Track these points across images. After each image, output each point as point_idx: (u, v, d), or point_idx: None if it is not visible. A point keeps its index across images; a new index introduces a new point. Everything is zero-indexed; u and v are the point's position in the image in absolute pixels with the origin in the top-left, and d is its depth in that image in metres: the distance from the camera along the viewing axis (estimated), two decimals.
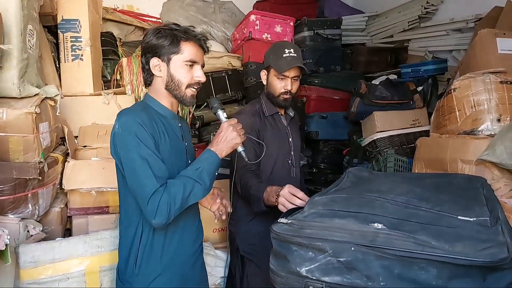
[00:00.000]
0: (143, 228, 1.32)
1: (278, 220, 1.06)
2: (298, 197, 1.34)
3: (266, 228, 1.68)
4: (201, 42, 1.37)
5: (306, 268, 0.87)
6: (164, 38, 1.31)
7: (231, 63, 3.13)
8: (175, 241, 1.37)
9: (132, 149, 1.22)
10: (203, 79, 1.37)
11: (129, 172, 1.23)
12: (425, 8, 3.43)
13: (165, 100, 1.39)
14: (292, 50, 1.72)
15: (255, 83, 3.04)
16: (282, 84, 1.74)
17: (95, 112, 2.43)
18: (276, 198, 1.45)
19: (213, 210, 1.59)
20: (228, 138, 1.33)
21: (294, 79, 1.75)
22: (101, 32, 2.83)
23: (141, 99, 2.69)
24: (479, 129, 1.83)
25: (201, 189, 1.26)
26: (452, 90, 1.99)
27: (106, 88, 2.70)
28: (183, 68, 1.33)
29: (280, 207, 1.37)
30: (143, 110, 1.31)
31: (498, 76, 1.85)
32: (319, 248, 0.85)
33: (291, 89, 1.75)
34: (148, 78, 1.38)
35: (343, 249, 0.82)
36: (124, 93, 2.63)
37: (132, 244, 1.33)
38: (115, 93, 2.50)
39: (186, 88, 1.35)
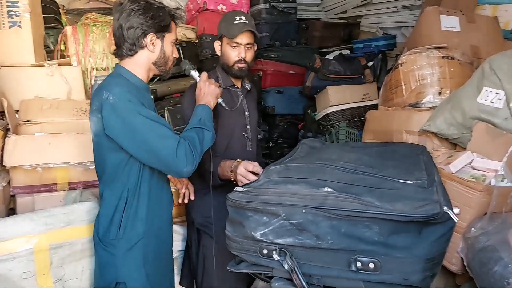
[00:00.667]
0: (128, 193, 1.38)
1: (235, 189, 1.09)
2: (253, 172, 1.42)
3: (221, 201, 1.71)
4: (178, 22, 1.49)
5: (261, 232, 0.90)
6: (163, 16, 1.38)
7: (185, 35, 3.03)
8: (158, 205, 1.46)
9: (138, 115, 1.26)
10: (177, 56, 1.49)
11: (141, 136, 1.27)
12: None
13: (143, 74, 1.43)
14: (243, 17, 1.70)
15: (210, 55, 2.98)
16: (236, 52, 1.72)
17: (37, 84, 2.27)
18: (231, 172, 1.49)
19: (179, 187, 1.77)
20: (209, 91, 1.48)
21: (247, 47, 1.73)
22: None
23: (88, 71, 2.57)
24: (423, 102, 1.94)
25: (210, 135, 1.39)
26: (399, 65, 2.09)
27: (49, 59, 2.52)
28: (171, 46, 1.44)
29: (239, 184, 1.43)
30: (126, 83, 1.35)
31: (440, 52, 1.96)
32: (273, 212, 0.89)
33: (245, 56, 1.73)
34: (132, 51, 1.38)
35: (295, 212, 0.86)
36: (69, 64, 2.47)
37: (116, 208, 1.38)
38: (59, 64, 2.34)
39: (171, 64, 1.47)
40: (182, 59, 2.97)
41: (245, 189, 1.05)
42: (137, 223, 1.40)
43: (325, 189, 0.92)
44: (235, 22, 1.68)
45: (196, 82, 1.59)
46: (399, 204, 0.81)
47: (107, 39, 2.59)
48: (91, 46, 2.59)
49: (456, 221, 0.80)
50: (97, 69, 2.61)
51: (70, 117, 2.23)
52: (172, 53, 1.45)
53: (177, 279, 2.03)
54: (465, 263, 1.44)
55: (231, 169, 1.50)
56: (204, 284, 1.82)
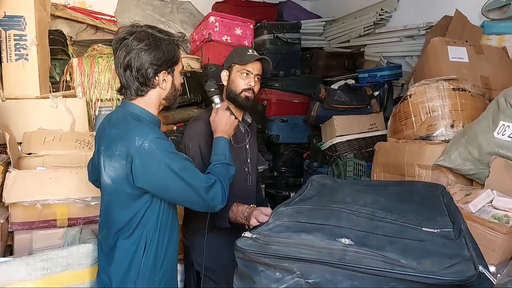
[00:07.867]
0: (147, 240, 1.33)
1: (243, 234, 1.01)
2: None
3: (224, 242, 1.63)
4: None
5: None
6: (172, 50, 1.33)
7: (189, 65, 3.04)
8: (172, 249, 1.43)
9: (173, 161, 1.26)
10: (181, 81, 1.45)
11: (177, 181, 1.26)
12: (379, 15, 3.53)
13: (155, 110, 1.38)
14: (254, 50, 1.74)
15: None
16: (246, 81, 1.70)
17: (41, 116, 2.26)
18: (245, 219, 1.45)
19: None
20: (229, 122, 1.51)
21: (257, 78, 1.72)
22: (49, 30, 2.63)
23: (92, 102, 2.55)
24: (434, 134, 1.89)
25: (233, 171, 1.45)
26: (408, 96, 2.05)
27: (55, 90, 2.52)
28: (180, 77, 1.40)
29: None
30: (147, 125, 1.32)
31: (450, 83, 1.92)
32: (286, 268, 0.81)
33: (254, 86, 1.71)
34: (143, 91, 1.32)
35: (311, 270, 0.78)
36: (74, 95, 2.46)
37: (134, 256, 1.33)
38: (64, 96, 2.34)
39: (179, 94, 1.43)
40: (187, 89, 2.97)
41: (253, 236, 0.97)
42: (155, 270, 1.36)
43: (343, 240, 0.84)
44: (248, 53, 1.71)
45: (215, 108, 1.56)
46: (427, 262, 0.74)
47: (112, 70, 2.59)
48: (96, 77, 2.60)
49: (494, 283, 0.72)
50: (101, 100, 2.60)
51: (72, 149, 2.21)
52: (179, 82, 1.41)
53: None
54: None
55: (245, 215, 1.46)
56: None
